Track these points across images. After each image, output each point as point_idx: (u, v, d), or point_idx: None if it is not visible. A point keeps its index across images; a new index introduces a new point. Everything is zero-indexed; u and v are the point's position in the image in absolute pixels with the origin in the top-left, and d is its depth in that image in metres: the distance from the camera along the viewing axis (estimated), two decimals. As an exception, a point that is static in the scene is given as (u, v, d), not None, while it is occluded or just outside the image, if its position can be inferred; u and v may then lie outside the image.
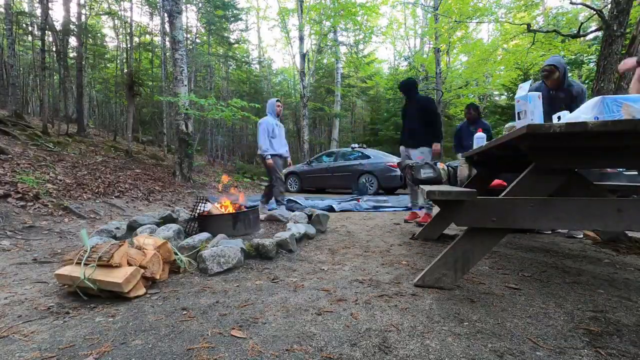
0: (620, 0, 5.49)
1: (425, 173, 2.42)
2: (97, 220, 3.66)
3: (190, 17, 14.90)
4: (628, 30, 6.02)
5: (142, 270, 1.57)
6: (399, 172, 7.48)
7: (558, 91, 2.83)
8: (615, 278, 1.74)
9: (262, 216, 3.20)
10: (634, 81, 2.44)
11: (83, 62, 10.32)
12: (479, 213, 1.45)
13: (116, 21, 13.21)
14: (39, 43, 9.08)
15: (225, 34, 14.32)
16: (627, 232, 2.51)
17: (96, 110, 15.00)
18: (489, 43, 14.81)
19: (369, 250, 2.42)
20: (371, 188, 7.69)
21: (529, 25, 7.82)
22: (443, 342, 1.09)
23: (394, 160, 7.96)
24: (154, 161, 8.86)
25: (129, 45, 11.65)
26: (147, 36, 14.93)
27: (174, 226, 2.36)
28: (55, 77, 12.95)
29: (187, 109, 6.87)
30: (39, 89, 12.22)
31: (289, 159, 4.58)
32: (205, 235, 2.30)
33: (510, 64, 12.97)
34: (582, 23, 7.91)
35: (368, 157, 8.09)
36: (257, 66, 20.64)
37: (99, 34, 13.70)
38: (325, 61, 18.14)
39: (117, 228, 2.64)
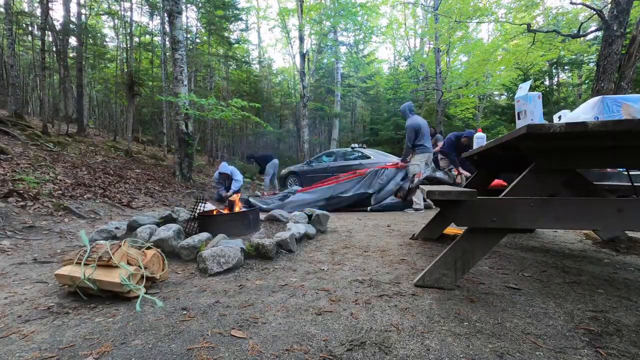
0: (620, 0, 5.49)
1: (440, 174, 2.51)
2: (97, 220, 3.66)
3: (190, 17, 14.88)
4: (628, 30, 6.02)
5: (142, 270, 1.57)
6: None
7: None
8: (615, 278, 1.74)
9: (262, 216, 3.20)
10: None
11: (83, 62, 10.33)
12: (479, 213, 1.45)
13: (116, 21, 13.21)
14: (39, 43, 9.08)
15: (226, 34, 14.30)
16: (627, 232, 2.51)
17: (96, 110, 15.00)
18: (489, 43, 14.82)
19: (369, 250, 2.42)
20: None
21: (529, 25, 7.83)
22: (443, 342, 1.09)
23: (394, 160, 7.96)
24: (154, 161, 8.87)
25: (129, 45, 11.64)
26: (147, 36, 14.93)
27: (174, 226, 2.36)
28: (55, 77, 12.95)
29: (187, 109, 6.87)
30: (39, 89, 12.21)
31: None
32: (205, 235, 2.30)
33: (510, 64, 12.99)
34: (582, 23, 7.91)
35: (368, 157, 8.09)
36: (257, 66, 20.63)
37: (99, 34, 13.69)
38: (325, 61, 18.13)
39: (117, 228, 2.64)
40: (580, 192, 2.21)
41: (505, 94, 16.56)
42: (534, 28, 8.57)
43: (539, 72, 14.70)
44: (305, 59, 14.23)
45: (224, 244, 2.06)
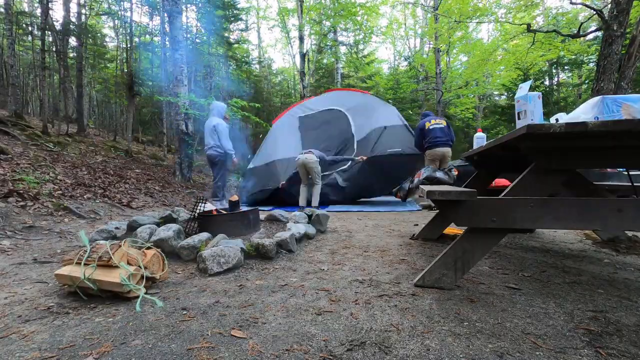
0: (620, 0, 5.49)
1: (440, 174, 2.51)
2: (97, 220, 3.66)
3: (190, 17, 14.90)
4: (628, 30, 6.02)
5: (142, 270, 1.57)
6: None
7: None
8: (615, 278, 1.74)
9: (262, 216, 3.20)
10: None
11: (83, 62, 10.33)
12: (479, 213, 1.45)
13: (116, 21, 13.21)
14: (39, 43, 9.09)
15: (225, 34, 14.30)
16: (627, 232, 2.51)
17: (96, 110, 15.00)
18: (489, 43, 14.82)
19: (369, 250, 2.42)
20: None
21: (529, 25, 7.83)
22: (443, 342, 1.09)
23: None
24: (154, 161, 8.87)
25: (129, 45, 11.64)
26: (147, 36, 14.92)
27: (174, 226, 2.36)
28: (55, 77, 12.95)
29: (187, 109, 6.88)
30: (39, 89, 12.22)
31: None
32: (205, 235, 2.29)
33: (510, 64, 12.99)
34: (582, 23, 7.91)
35: None
36: (257, 66, 20.61)
37: (99, 34, 13.70)
38: (325, 61, 18.12)
39: (117, 228, 2.64)
40: (580, 192, 2.21)
41: (505, 94, 16.57)
42: (534, 28, 8.58)
43: (539, 72, 14.72)
44: (305, 59, 14.23)
45: (224, 244, 2.06)
